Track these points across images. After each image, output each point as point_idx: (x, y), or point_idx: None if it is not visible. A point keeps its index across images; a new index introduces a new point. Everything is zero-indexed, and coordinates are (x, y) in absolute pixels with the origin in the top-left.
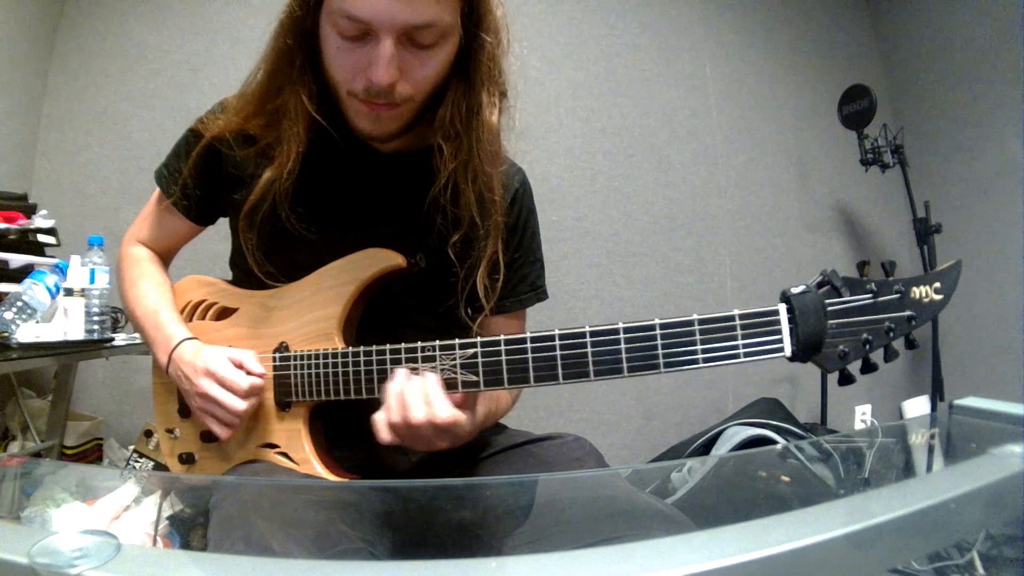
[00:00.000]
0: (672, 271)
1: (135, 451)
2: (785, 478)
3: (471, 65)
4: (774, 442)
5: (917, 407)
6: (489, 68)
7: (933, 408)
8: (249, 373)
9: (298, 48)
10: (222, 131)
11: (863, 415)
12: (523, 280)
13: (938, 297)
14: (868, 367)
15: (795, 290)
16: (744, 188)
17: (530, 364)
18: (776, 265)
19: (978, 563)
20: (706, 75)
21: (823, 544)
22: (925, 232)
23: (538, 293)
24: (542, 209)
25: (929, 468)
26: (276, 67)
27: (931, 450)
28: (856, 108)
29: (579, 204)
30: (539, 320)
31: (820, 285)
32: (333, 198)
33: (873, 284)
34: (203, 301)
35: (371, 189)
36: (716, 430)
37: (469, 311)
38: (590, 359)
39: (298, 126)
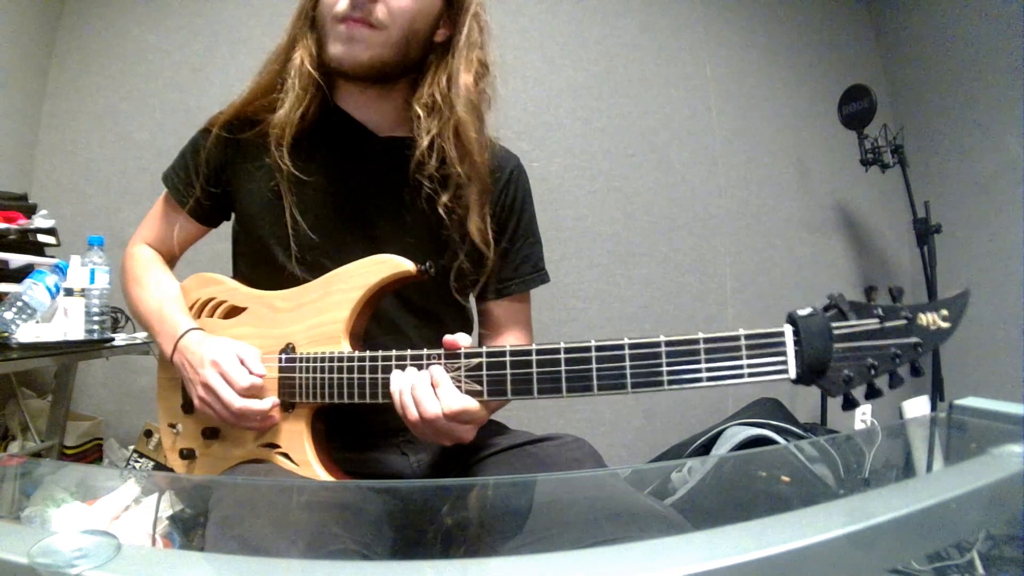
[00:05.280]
0: (672, 271)
1: (135, 451)
2: (785, 478)
3: (454, 28)
4: (774, 442)
5: (917, 407)
6: (469, 32)
7: (933, 408)
8: (250, 372)
9: (310, 7)
10: (228, 117)
11: (863, 415)
12: (526, 261)
13: (945, 325)
14: (873, 392)
15: (802, 312)
16: (744, 188)
17: (534, 377)
18: (776, 265)
19: (978, 563)
20: (706, 75)
21: (823, 544)
22: (925, 232)
23: (541, 275)
24: (542, 209)
25: (929, 468)
26: (295, 21)
27: (931, 450)
28: (856, 108)
29: (579, 204)
30: (540, 319)
31: (827, 308)
32: (330, 169)
33: (880, 309)
34: (212, 299)
35: (364, 168)
36: (716, 430)
37: (470, 294)
38: (594, 375)
39: (298, 82)
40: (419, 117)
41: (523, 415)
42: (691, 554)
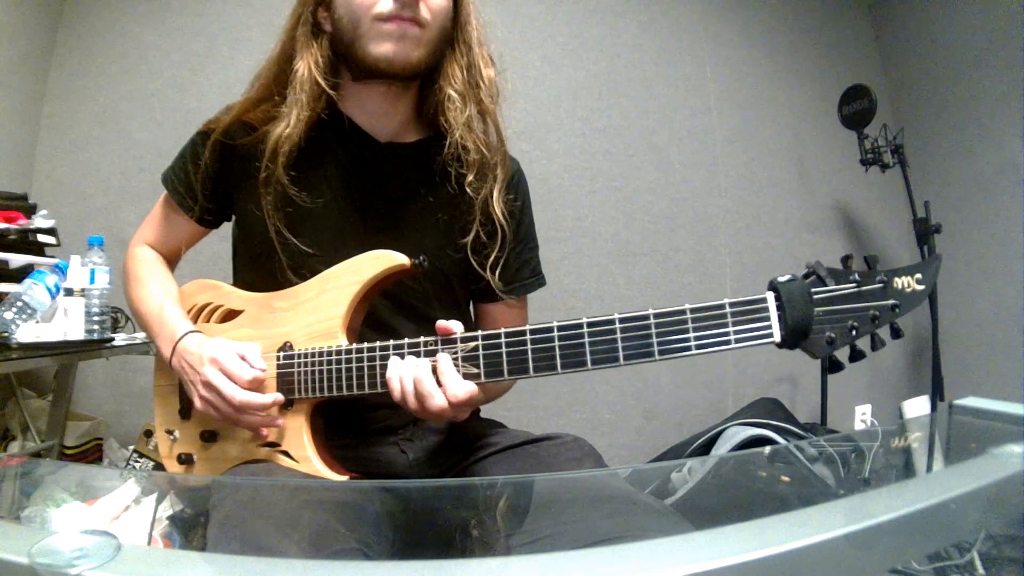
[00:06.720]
0: (672, 271)
1: (135, 451)
2: (785, 478)
3: (461, 27)
4: (774, 442)
5: (917, 407)
6: (477, 27)
7: (933, 408)
8: (252, 367)
9: (310, 14)
10: (229, 124)
11: (863, 415)
12: (525, 265)
13: (920, 287)
14: (856, 354)
15: (782, 279)
16: (744, 188)
17: (529, 355)
18: (776, 265)
19: (978, 563)
20: (706, 75)
21: (823, 544)
22: (925, 232)
23: (539, 279)
24: (542, 209)
25: (929, 468)
26: (291, 32)
27: (931, 450)
28: (856, 108)
29: (579, 204)
30: (540, 319)
31: (806, 276)
32: (330, 176)
33: (857, 275)
34: (208, 304)
35: (365, 175)
36: (716, 430)
37: (472, 294)
38: (587, 349)
39: (304, 95)
40: (452, 100)
41: (523, 415)
42: (691, 554)
